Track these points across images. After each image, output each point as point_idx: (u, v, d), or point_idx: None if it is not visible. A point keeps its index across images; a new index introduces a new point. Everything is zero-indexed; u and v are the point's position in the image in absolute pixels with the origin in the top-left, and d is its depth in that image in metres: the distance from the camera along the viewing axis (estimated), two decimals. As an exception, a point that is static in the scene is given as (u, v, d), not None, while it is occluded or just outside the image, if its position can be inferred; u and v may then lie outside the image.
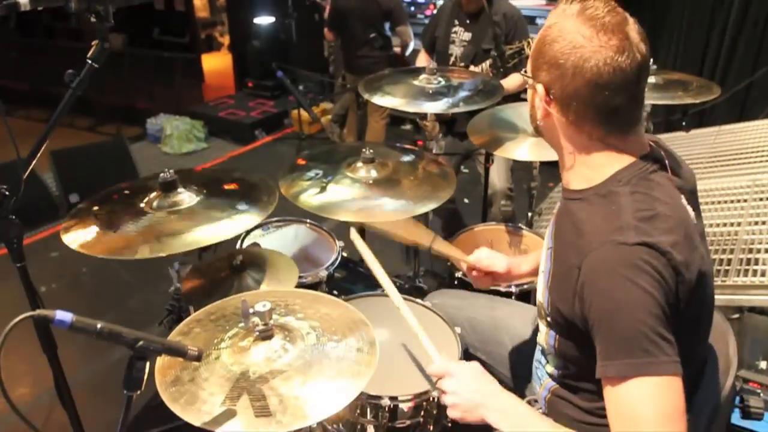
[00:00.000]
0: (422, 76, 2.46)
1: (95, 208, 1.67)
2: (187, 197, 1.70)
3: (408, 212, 1.95)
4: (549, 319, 1.24)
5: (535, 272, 1.68)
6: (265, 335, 1.21)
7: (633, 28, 1.09)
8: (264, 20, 6.10)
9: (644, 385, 0.99)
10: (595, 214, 1.11)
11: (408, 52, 4.63)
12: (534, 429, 1.16)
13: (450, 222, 3.41)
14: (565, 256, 1.16)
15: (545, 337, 1.29)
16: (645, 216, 1.05)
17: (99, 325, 0.90)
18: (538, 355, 1.43)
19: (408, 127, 5.53)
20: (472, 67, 3.04)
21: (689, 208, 1.15)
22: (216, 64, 8.09)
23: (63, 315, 0.86)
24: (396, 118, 5.29)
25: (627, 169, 1.13)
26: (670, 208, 1.08)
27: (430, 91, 2.39)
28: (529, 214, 2.71)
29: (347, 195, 1.97)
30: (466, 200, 3.99)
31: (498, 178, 2.99)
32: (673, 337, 1.00)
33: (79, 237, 1.55)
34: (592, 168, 1.16)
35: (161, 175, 1.60)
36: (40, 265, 3.46)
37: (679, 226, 1.06)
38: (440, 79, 2.46)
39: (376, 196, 1.98)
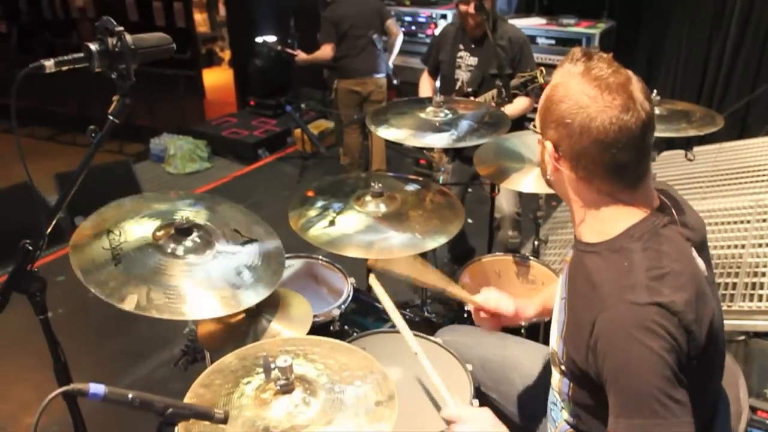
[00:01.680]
0: (429, 108, 2.47)
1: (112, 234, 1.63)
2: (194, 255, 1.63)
3: (418, 248, 1.97)
4: (563, 367, 1.26)
5: (540, 315, 1.70)
6: (287, 389, 1.23)
7: (637, 87, 1.12)
8: (266, 39, 6.11)
9: None
10: (607, 270, 1.14)
11: (396, 49, 4.66)
12: None
13: (455, 245, 3.41)
14: (578, 309, 1.19)
15: (559, 383, 1.32)
16: (657, 274, 1.07)
17: (130, 396, 0.92)
18: (552, 397, 1.45)
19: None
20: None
21: (699, 261, 1.17)
22: (217, 79, 8.12)
23: (96, 388, 0.88)
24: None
25: (639, 224, 1.15)
26: (681, 264, 1.10)
27: (437, 124, 2.41)
28: (536, 242, 2.73)
29: (356, 229, 2.00)
30: (470, 220, 4.00)
31: (506, 203, 2.97)
32: (685, 396, 1.03)
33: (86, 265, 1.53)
34: (603, 222, 1.19)
35: (177, 221, 1.60)
36: (46, 290, 3.43)
37: (690, 282, 1.08)
38: (447, 111, 2.47)
39: (386, 230, 2.00)
